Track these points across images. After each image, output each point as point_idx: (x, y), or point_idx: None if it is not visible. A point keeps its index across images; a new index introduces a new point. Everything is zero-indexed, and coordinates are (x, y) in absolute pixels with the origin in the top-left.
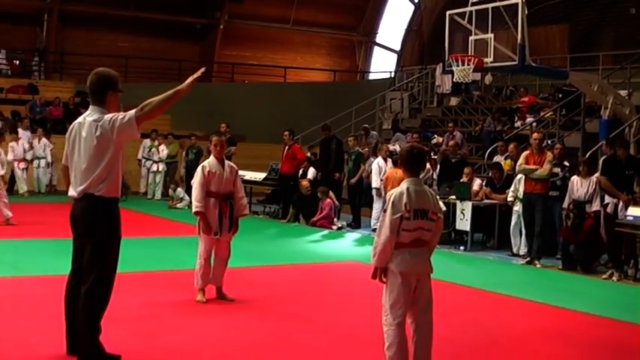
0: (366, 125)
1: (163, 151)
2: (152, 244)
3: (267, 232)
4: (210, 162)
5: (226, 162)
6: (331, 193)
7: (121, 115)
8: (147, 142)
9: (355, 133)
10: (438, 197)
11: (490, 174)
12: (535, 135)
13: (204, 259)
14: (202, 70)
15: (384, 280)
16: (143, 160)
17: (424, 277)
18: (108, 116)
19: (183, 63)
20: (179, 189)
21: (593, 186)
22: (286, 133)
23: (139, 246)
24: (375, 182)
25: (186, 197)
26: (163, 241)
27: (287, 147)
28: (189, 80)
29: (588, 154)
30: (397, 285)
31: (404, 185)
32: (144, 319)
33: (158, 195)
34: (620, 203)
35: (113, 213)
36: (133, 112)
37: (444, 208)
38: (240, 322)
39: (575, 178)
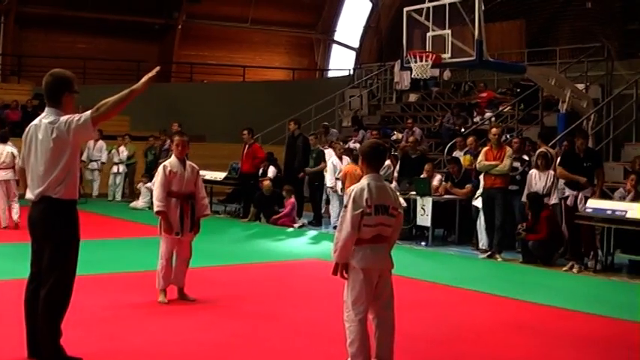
0: (326, 123)
1: (123, 152)
2: (113, 246)
3: (228, 231)
4: (171, 162)
5: (187, 162)
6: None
7: (76, 116)
8: (90, 143)
9: (315, 131)
10: (398, 193)
11: (448, 169)
12: (494, 130)
13: (166, 259)
14: (157, 68)
15: (345, 276)
16: (87, 162)
17: (385, 272)
18: (63, 118)
19: (142, 63)
20: (149, 183)
21: (551, 179)
22: (245, 132)
23: (99, 248)
24: (330, 181)
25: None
26: (124, 242)
27: (247, 146)
28: (144, 79)
29: (545, 148)
30: (359, 281)
31: (364, 181)
32: (105, 321)
33: (118, 197)
34: (580, 195)
35: (71, 215)
36: (88, 113)
37: (404, 204)
38: (203, 321)
39: (533, 172)
